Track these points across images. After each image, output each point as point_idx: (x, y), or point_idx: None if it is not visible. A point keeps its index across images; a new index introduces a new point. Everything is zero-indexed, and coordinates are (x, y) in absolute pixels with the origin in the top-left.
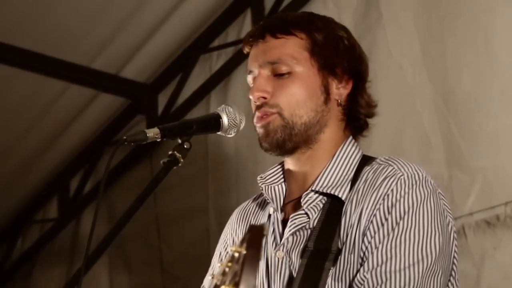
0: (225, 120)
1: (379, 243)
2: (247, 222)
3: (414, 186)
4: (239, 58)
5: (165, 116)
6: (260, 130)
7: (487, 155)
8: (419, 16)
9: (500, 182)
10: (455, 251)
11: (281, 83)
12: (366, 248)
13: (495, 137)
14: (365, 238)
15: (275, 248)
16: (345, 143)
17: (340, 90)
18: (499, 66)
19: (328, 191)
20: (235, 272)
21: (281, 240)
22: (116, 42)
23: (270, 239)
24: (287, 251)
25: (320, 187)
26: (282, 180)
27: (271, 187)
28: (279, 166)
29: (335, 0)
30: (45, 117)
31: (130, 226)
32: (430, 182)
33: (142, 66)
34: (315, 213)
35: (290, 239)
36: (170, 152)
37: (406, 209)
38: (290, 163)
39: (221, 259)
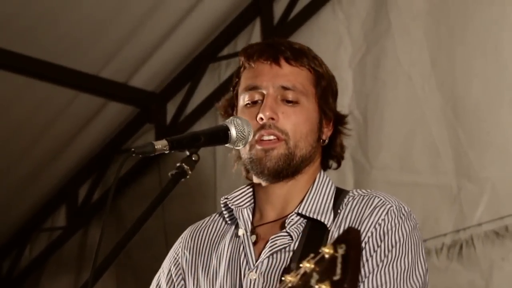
0: (233, 132)
1: (371, 270)
2: (202, 241)
3: (403, 218)
4: None
5: (173, 125)
6: (259, 152)
7: (496, 165)
8: (429, 26)
9: (509, 192)
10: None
11: (289, 110)
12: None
13: (504, 147)
14: None
15: (247, 270)
16: (320, 174)
17: (326, 130)
18: (509, 76)
19: (313, 216)
20: (328, 270)
21: (255, 262)
22: (125, 51)
23: (241, 260)
24: (261, 273)
25: (305, 211)
26: (252, 203)
27: (239, 209)
28: (247, 189)
29: (344, 9)
30: (54, 125)
31: (138, 235)
32: (413, 215)
33: (151, 75)
34: (297, 235)
35: (266, 261)
36: (178, 164)
37: (397, 239)
38: (269, 188)
39: (171, 276)
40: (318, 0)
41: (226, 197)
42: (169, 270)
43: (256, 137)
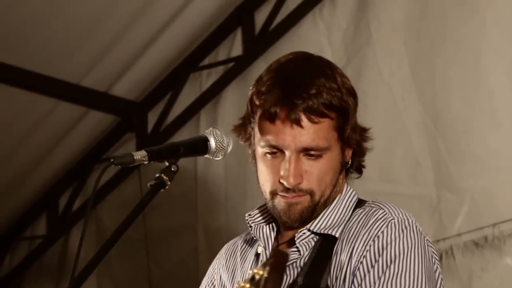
0: (212, 143)
1: (370, 285)
2: (235, 258)
3: (405, 231)
4: (229, 77)
5: (155, 134)
6: (283, 205)
7: (476, 176)
8: (409, 37)
9: (488, 203)
10: None
11: (313, 166)
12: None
13: (483, 158)
14: (354, 279)
15: None
16: (344, 189)
17: (348, 153)
18: (487, 88)
19: (323, 232)
20: None
21: None
22: (106, 60)
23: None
24: None
25: (317, 228)
26: (272, 219)
27: (260, 225)
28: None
29: (325, 20)
30: (35, 134)
31: (118, 245)
32: (419, 229)
33: (132, 84)
34: (307, 250)
35: None
36: (157, 175)
37: (397, 254)
38: None
39: None
40: (299, 10)
41: (249, 213)
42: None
43: (278, 191)
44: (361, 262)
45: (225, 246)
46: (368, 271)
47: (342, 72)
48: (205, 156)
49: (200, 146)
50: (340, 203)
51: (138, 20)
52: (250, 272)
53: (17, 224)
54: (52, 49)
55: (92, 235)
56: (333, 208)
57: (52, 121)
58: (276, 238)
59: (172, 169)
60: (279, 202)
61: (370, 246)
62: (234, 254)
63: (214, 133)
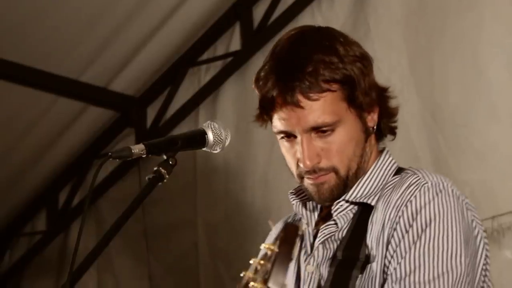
0: (210, 136)
1: (405, 252)
2: None
3: (439, 195)
4: (227, 72)
5: (154, 129)
6: (311, 187)
7: (474, 169)
8: (408, 31)
9: (487, 196)
10: (487, 262)
11: (328, 142)
12: (392, 256)
13: (482, 151)
14: (389, 246)
15: (305, 261)
16: (380, 157)
17: (372, 118)
18: (486, 82)
19: (360, 200)
20: (266, 270)
21: (309, 254)
22: (105, 55)
23: (302, 252)
24: (317, 265)
25: (354, 197)
26: None
27: (302, 202)
28: None
29: (323, 14)
30: (34, 130)
31: (119, 240)
32: (456, 192)
33: (131, 79)
34: (345, 222)
35: (320, 251)
36: (155, 168)
37: (432, 217)
38: None
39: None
40: (297, 4)
41: (291, 191)
42: None
43: (303, 174)
44: (395, 229)
45: (276, 225)
46: (403, 237)
47: (348, 38)
48: (203, 149)
49: (198, 139)
50: (377, 171)
51: (137, 16)
52: (264, 247)
53: (17, 220)
54: (50, 44)
55: (92, 230)
56: (369, 176)
57: (51, 116)
58: (319, 213)
59: (170, 162)
60: (308, 184)
61: (402, 212)
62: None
63: (212, 126)
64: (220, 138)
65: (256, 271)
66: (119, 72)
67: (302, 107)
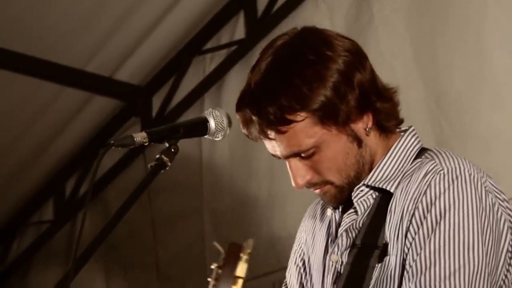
0: (212, 123)
1: (420, 248)
2: (315, 220)
3: (455, 182)
4: (232, 60)
5: (159, 118)
6: (318, 194)
7: (478, 156)
8: (411, 18)
9: None
10: (511, 245)
11: (314, 161)
12: (409, 250)
13: (486, 138)
14: (406, 240)
15: (328, 251)
16: (400, 139)
17: (364, 121)
18: (490, 68)
19: (380, 186)
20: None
21: (334, 242)
22: (110, 44)
23: (329, 239)
24: (341, 254)
25: (373, 181)
26: None
27: None
28: None
29: (327, 1)
30: (40, 120)
31: (125, 229)
32: (473, 176)
33: (136, 69)
34: (365, 209)
35: (344, 240)
36: (157, 156)
37: (447, 207)
38: None
39: (295, 259)
40: None
41: None
42: (294, 252)
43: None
44: (411, 222)
45: (309, 207)
46: (418, 230)
47: (333, 45)
48: (206, 136)
49: (199, 126)
50: (397, 153)
51: (142, 4)
52: (213, 266)
53: (25, 210)
54: (55, 35)
55: (99, 219)
56: (388, 158)
57: (57, 107)
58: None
59: (172, 150)
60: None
61: (419, 202)
62: (314, 215)
63: (214, 114)
64: (222, 126)
65: None
66: (124, 62)
67: (273, 139)
